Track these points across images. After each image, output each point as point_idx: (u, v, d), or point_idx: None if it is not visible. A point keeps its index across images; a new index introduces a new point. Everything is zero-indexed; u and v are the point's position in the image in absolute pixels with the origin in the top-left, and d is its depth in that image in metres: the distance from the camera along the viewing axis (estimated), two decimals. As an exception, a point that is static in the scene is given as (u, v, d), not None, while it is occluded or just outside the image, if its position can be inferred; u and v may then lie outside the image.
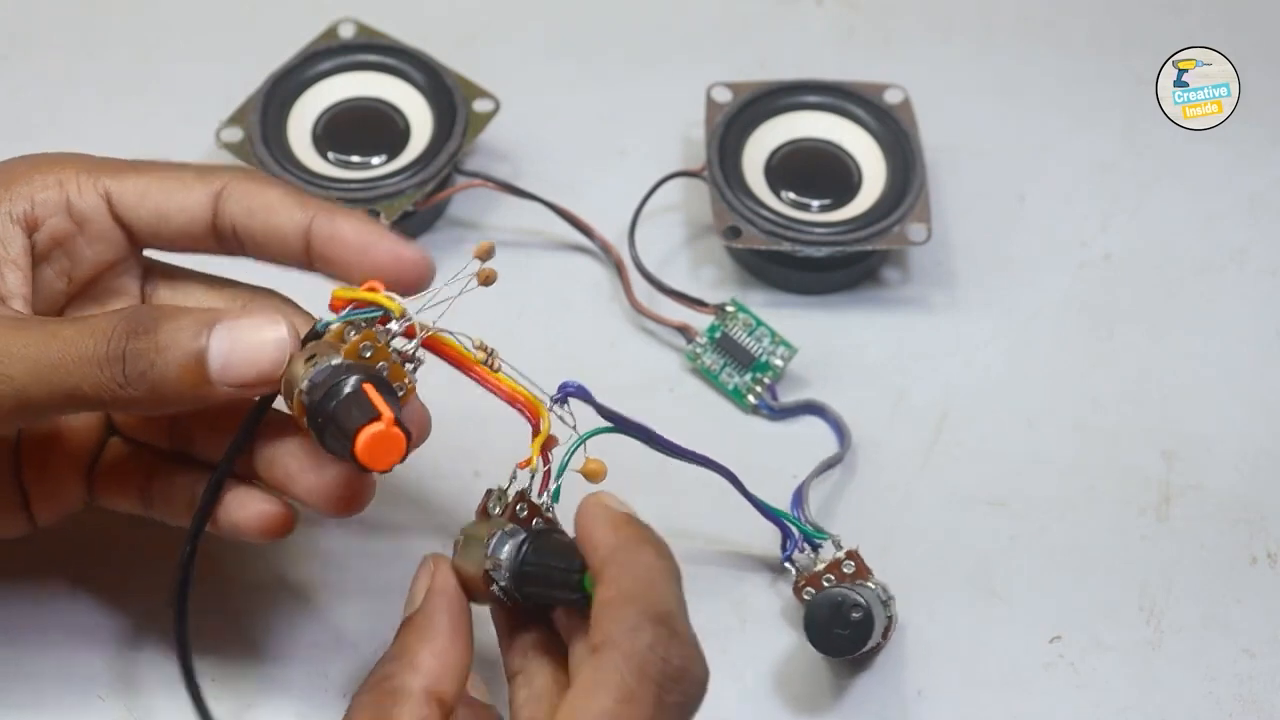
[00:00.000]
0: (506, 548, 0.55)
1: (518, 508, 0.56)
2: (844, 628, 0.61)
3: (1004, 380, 0.74)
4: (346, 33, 0.79)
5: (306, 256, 0.58)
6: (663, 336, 0.74)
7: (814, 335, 0.74)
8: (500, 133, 0.78)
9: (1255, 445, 0.72)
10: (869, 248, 0.74)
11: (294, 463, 0.57)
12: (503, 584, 0.55)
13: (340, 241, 0.57)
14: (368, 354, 0.54)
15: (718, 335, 0.73)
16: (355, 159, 0.77)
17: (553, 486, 0.57)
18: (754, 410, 0.72)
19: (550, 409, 0.57)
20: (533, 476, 0.56)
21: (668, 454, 0.60)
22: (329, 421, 0.53)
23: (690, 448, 0.61)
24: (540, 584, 0.55)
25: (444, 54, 0.78)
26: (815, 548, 0.66)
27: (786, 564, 0.65)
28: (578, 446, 0.57)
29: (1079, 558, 0.69)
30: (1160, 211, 0.80)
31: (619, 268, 0.75)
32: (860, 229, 0.74)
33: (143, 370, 0.53)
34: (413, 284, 0.57)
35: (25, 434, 0.59)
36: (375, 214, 0.74)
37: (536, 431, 0.57)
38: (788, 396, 0.72)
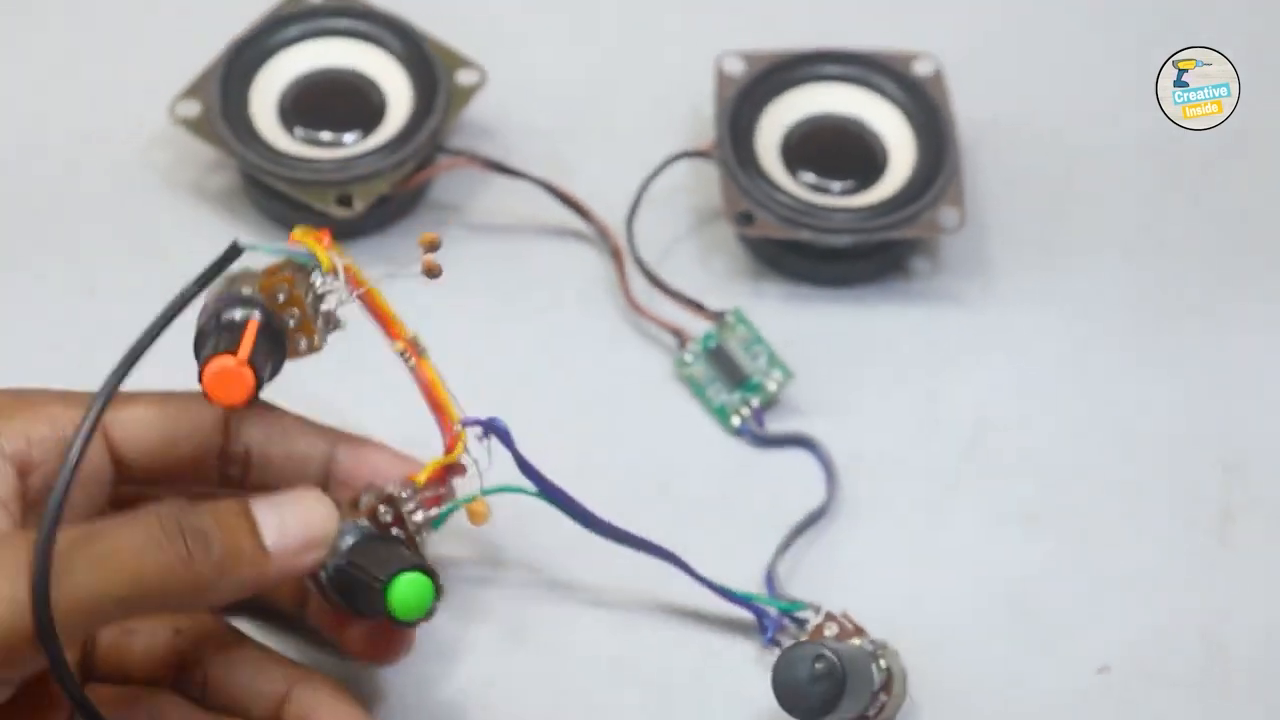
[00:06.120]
0: (346, 539, 0.57)
1: (380, 509, 0.58)
2: (813, 683, 0.58)
3: (1046, 383, 0.74)
4: (315, -5, 0.79)
5: (319, 485, 0.59)
6: (655, 336, 0.74)
7: (834, 332, 0.74)
8: (486, 108, 0.78)
9: (1329, 455, 0.72)
10: (896, 235, 0.74)
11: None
12: (328, 571, 0.57)
13: (368, 468, 0.60)
14: (281, 297, 0.57)
15: (712, 346, 0.72)
16: (325, 136, 0.76)
17: (435, 512, 0.59)
18: (738, 433, 0.72)
19: (466, 429, 0.59)
20: (416, 495, 0.58)
21: (600, 534, 0.62)
22: (200, 338, 0.56)
23: (630, 530, 0.62)
24: (349, 588, 0.57)
25: (424, 19, 0.78)
26: (799, 622, 0.65)
27: (770, 646, 0.65)
28: (466, 501, 0.59)
29: (1130, 582, 0.68)
30: (1225, 194, 0.79)
31: (616, 256, 0.75)
32: (886, 214, 0.73)
33: (207, 547, 0.53)
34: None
35: None
36: (349, 199, 0.73)
37: (447, 450, 0.59)
38: (777, 425, 0.72)
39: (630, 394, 0.73)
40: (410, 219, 0.77)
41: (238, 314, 0.56)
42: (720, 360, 0.72)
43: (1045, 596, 0.68)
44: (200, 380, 0.55)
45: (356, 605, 0.57)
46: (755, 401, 0.72)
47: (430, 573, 0.56)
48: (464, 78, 0.76)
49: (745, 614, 0.66)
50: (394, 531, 0.58)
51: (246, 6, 0.78)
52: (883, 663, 0.62)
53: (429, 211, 0.77)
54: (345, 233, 0.74)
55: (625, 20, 0.84)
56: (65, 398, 0.58)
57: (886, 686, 0.62)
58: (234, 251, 0.56)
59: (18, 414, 0.57)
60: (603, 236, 0.75)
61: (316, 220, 0.72)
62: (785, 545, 0.68)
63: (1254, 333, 0.75)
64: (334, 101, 0.77)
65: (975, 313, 0.75)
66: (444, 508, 0.59)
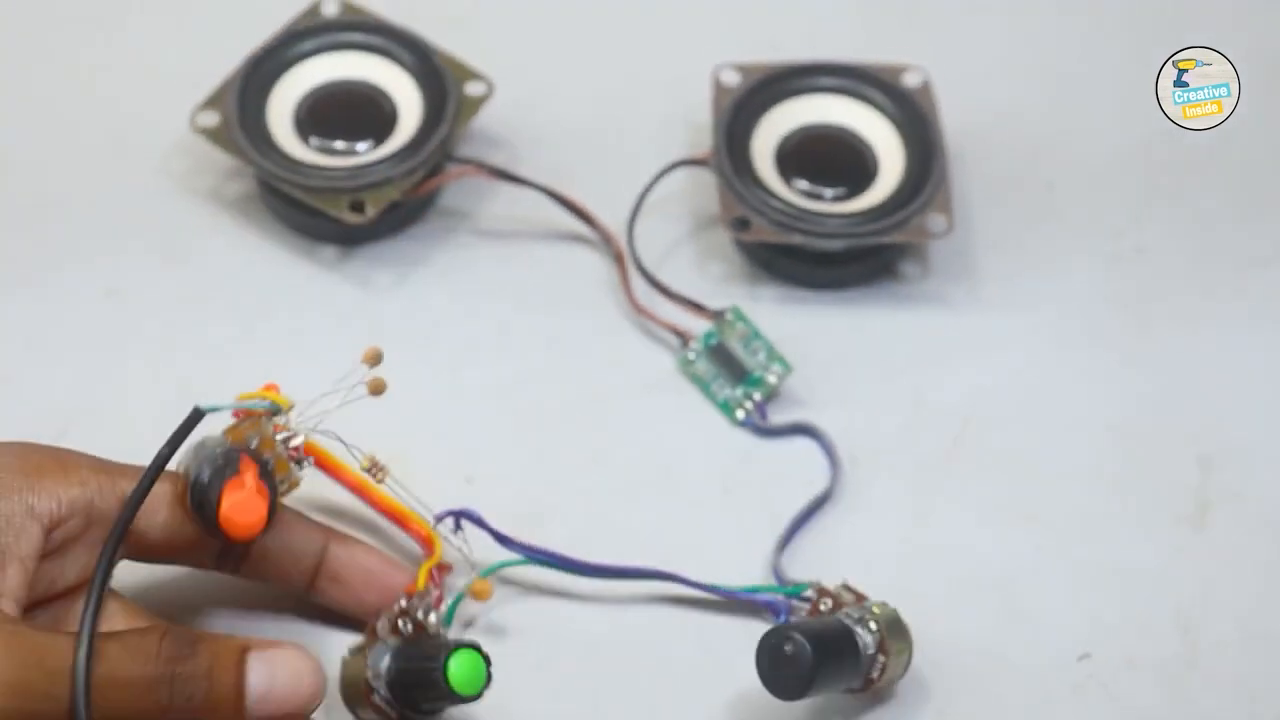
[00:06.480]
0: (385, 658, 0.60)
1: (399, 623, 0.61)
2: (787, 665, 0.59)
3: (1029, 382, 0.74)
4: (330, 10, 0.79)
5: (309, 577, 0.62)
6: (658, 335, 0.75)
7: (827, 333, 0.75)
8: (494, 118, 0.79)
9: (1298, 451, 0.72)
10: (885, 240, 0.74)
11: None
12: (382, 693, 0.59)
13: (359, 567, 0.62)
14: (253, 443, 0.59)
15: (713, 343, 0.73)
16: (339, 145, 0.77)
17: (444, 610, 0.62)
18: (742, 425, 0.73)
19: (442, 535, 0.63)
20: (423, 601, 0.61)
21: (594, 577, 0.64)
22: (201, 489, 0.58)
23: (618, 565, 0.65)
24: (408, 687, 0.59)
25: (434, 33, 0.79)
26: (807, 600, 0.65)
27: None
28: (468, 586, 0.62)
29: (1109, 571, 0.69)
30: (1199, 201, 0.80)
31: (619, 260, 0.76)
32: (876, 220, 0.74)
33: (189, 695, 0.55)
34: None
35: None
36: (361, 205, 0.74)
37: (429, 554, 0.63)
38: (780, 415, 0.73)
39: (637, 391, 0.73)
40: (421, 225, 0.77)
41: (226, 453, 0.58)
42: (722, 356, 0.73)
43: (1029, 584, 0.69)
44: (216, 515, 0.57)
45: (419, 703, 0.59)
46: (757, 395, 0.73)
47: (476, 647, 0.58)
48: (472, 89, 0.77)
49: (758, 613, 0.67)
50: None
51: (264, 21, 0.78)
52: (873, 625, 0.62)
53: (438, 218, 0.78)
54: (358, 238, 0.76)
55: (626, 35, 0.84)
56: (97, 465, 0.59)
57: (883, 646, 0.62)
58: (196, 415, 0.58)
59: (53, 474, 0.58)
60: (605, 241, 0.76)
61: (330, 225, 0.75)
62: (791, 531, 0.68)
63: (1227, 331, 0.76)
64: (347, 112, 0.77)
65: (962, 314, 0.76)
66: (449, 602, 0.62)
